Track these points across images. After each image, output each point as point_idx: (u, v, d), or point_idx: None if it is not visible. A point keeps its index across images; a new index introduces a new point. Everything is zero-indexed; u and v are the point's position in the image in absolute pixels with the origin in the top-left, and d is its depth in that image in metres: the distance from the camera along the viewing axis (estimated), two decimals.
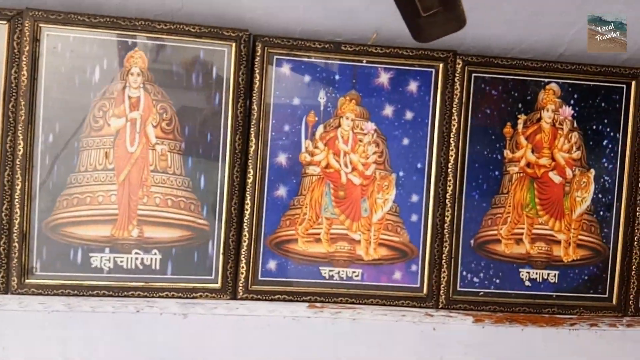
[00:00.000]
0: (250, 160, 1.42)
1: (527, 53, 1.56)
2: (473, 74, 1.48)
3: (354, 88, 1.46)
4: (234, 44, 1.39)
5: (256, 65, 1.41)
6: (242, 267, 1.42)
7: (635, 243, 1.52)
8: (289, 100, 1.44)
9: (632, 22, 1.51)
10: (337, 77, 1.46)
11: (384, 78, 1.47)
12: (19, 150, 1.33)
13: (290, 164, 1.45)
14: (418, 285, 1.48)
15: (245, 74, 1.41)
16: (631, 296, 1.53)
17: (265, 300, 1.43)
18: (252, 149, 1.42)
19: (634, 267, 1.53)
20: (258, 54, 1.41)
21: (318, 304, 1.44)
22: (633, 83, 1.51)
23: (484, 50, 1.53)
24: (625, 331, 1.51)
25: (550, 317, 1.50)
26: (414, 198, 1.48)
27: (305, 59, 1.44)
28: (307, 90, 1.45)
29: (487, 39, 1.53)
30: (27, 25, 1.32)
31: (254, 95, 1.42)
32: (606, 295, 1.53)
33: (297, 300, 1.44)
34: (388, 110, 1.47)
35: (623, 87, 1.52)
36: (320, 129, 1.46)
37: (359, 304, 1.46)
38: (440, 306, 1.48)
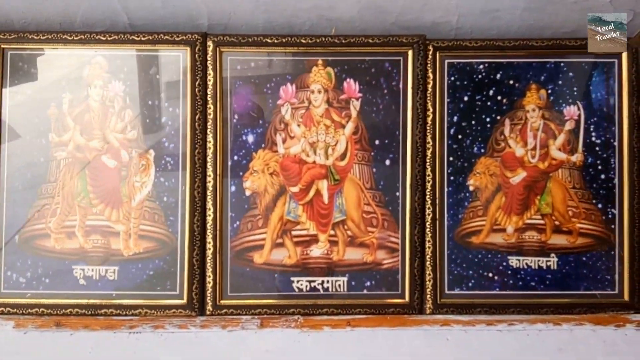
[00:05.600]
0: None
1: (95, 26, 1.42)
2: (9, 52, 1.34)
3: None
4: None
5: None
6: None
7: (209, 231, 1.34)
8: None
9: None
10: None
11: None
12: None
13: None
14: None
15: None
16: (208, 292, 1.34)
17: None
18: None
19: (208, 259, 1.34)
20: None
21: None
22: (188, 50, 1.33)
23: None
24: (199, 332, 1.31)
25: (106, 319, 1.32)
26: None
27: None
28: None
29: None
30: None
31: None
32: (177, 292, 1.34)
33: None
34: None
35: (179, 55, 1.34)
36: None
37: None
38: None
